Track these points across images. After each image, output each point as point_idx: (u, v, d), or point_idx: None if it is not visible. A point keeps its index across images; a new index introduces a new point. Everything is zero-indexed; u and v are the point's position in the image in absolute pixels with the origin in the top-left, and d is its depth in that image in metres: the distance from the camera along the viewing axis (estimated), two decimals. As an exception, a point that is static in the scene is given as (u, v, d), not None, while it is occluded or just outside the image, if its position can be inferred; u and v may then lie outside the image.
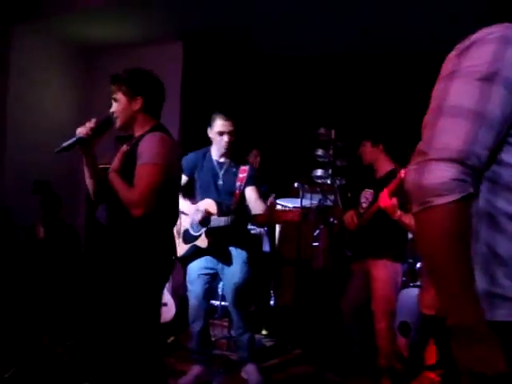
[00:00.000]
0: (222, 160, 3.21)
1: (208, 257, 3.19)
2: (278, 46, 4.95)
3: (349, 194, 3.61)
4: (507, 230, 0.98)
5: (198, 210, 3.12)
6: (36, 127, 4.91)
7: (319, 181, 4.33)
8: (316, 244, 4.57)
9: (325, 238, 4.44)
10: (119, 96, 2.21)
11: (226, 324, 4.08)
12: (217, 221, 3.01)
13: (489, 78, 0.96)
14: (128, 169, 2.11)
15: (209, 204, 3.08)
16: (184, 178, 3.18)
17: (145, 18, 4.56)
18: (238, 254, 3.19)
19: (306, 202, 4.45)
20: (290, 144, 5.14)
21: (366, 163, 3.27)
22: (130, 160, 2.12)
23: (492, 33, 0.99)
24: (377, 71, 4.87)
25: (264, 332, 4.27)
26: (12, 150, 4.79)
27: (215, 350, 3.69)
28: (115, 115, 2.23)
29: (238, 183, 3.15)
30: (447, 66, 1.04)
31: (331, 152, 4.27)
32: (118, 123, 2.23)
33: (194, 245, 3.12)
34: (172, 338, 4.04)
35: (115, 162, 2.20)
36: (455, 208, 0.92)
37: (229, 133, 3.13)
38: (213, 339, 3.67)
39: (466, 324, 0.92)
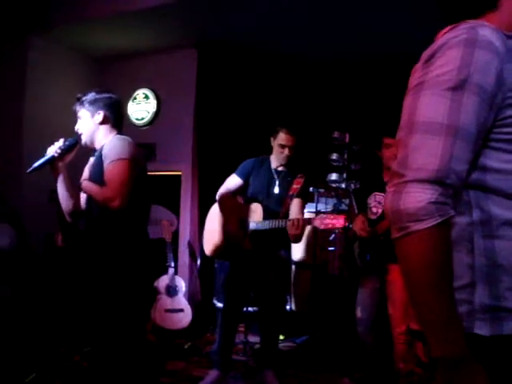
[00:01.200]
0: (280, 168, 3.34)
1: (249, 260, 3.24)
2: (289, 51, 4.96)
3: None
4: (506, 236, 0.91)
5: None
6: (53, 136, 4.96)
7: (334, 185, 4.31)
8: (332, 249, 4.55)
9: (340, 242, 4.41)
10: (82, 113, 2.37)
11: (242, 329, 4.09)
12: (260, 224, 3.13)
13: (459, 86, 0.88)
14: (98, 175, 2.23)
15: (256, 208, 3.19)
16: (239, 182, 3.30)
17: (158, 27, 4.60)
18: (278, 260, 3.26)
19: (321, 207, 4.46)
20: (304, 148, 5.13)
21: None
22: (98, 166, 2.24)
23: (455, 36, 0.91)
24: (390, 75, 4.85)
25: (281, 337, 4.26)
26: (29, 158, 4.85)
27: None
28: (79, 131, 2.39)
29: (290, 192, 3.24)
30: (414, 77, 0.96)
31: (346, 156, 4.25)
32: (83, 138, 2.39)
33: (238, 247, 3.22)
34: (189, 344, 4.06)
35: (85, 173, 2.39)
36: (435, 233, 0.85)
37: (290, 147, 3.27)
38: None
39: (453, 356, 0.85)
